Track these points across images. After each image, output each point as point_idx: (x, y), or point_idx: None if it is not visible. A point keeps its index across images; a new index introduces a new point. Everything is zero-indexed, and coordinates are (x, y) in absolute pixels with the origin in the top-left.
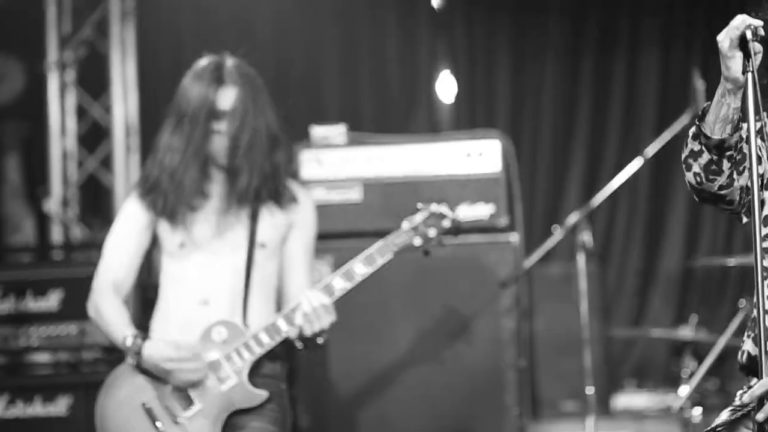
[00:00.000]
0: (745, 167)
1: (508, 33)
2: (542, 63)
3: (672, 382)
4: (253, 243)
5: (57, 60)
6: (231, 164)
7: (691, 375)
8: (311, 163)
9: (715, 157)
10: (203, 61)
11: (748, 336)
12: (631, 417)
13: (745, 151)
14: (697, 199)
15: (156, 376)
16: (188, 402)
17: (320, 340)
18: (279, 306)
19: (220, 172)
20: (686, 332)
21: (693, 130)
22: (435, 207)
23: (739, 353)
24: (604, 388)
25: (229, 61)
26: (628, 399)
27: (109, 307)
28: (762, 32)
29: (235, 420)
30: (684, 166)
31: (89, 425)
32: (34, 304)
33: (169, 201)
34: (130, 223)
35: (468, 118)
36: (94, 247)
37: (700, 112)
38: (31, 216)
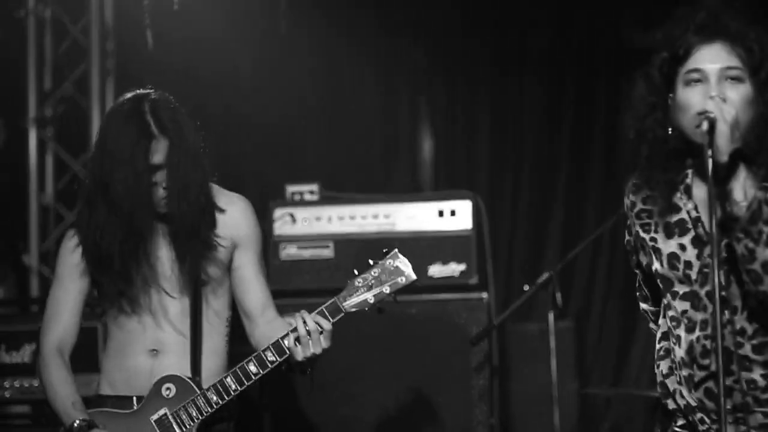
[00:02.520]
0: None
1: (488, 92)
2: (522, 122)
3: None
4: (198, 284)
5: (36, 116)
6: (169, 211)
7: None
8: (284, 219)
9: None
10: (125, 108)
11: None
12: None
13: None
14: None
15: None
16: None
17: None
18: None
19: (160, 219)
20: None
21: None
22: (390, 262)
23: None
24: None
25: (153, 105)
26: None
27: (55, 378)
28: None
29: None
30: None
31: None
32: (8, 357)
33: (111, 255)
34: (70, 269)
35: (448, 178)
36: None
37: None
38: (12, 270)
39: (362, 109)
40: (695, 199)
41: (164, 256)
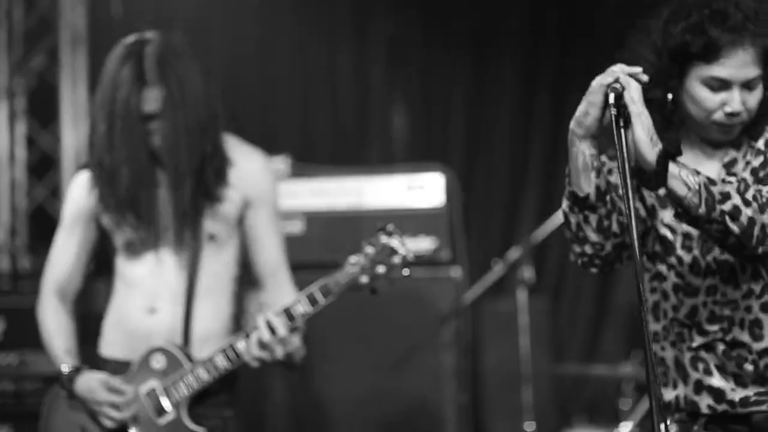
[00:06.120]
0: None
1: (463, 65)
2: (497, 95)
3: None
4: (198, 239)
5: (6, 88)
6: (167, 161)
7: (631, 410)
8: None
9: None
10: (124, 52)
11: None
12: None
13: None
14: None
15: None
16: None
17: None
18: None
19: (161, 166)
20: (627, 369)
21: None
22: (385, 239)
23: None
24: (554, 425)
25: (154, 50)
26: None
27: (52, 321)
28: (624, 89)
29: None
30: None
31: None
32: None
33: (117, 199)
34: (76, 214)
35: (422, 151)
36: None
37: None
38: None
39: (335, 80)
40: None
41: (165, 207)
